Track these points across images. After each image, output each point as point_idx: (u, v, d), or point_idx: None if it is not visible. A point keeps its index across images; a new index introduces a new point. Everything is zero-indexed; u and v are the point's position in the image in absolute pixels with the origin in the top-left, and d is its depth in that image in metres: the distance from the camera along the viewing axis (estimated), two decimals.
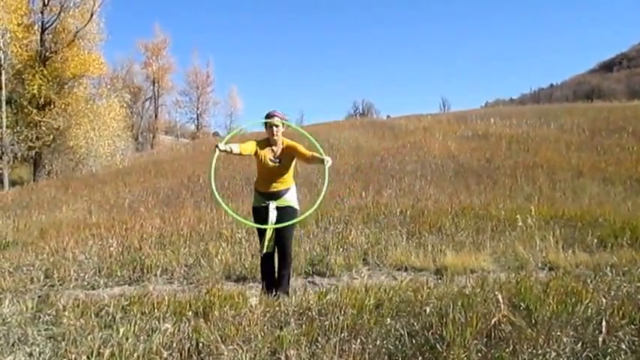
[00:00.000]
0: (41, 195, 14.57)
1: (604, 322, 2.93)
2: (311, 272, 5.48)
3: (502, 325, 3.01)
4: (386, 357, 2.84)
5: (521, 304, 3.33)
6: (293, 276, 5.23)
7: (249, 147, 4.23)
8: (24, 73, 23.10)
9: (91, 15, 24.54)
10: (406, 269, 5.56)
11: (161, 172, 17.13)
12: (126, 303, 3.72)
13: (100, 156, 24.00)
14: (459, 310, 3.13)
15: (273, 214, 4.19)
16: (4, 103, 22.10)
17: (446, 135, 19.49)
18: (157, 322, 3.28)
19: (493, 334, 2.96)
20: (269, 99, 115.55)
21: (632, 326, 3.00)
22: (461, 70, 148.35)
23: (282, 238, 4.26)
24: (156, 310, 3.55)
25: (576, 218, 7.26)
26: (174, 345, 2.97)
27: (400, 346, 2.92)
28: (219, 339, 2.99)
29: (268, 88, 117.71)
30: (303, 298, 3.80)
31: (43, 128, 23.04)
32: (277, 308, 3.58)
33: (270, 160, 4.27)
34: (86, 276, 5.24)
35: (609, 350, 2.75)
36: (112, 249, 6.17)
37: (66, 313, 3.46)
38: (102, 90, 27.21)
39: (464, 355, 2.75)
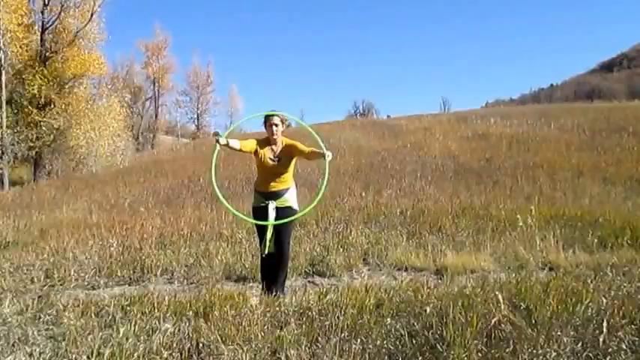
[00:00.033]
0: (41, 195, 14.57)
1: (604, 322, 2.92)
2: (311, 272, 5.48)
3: (502, 325, 3.00)
4: (386, 357, 2.83)
5: (522, 304, 3.32)
6: (293, 276, 5.24)
7: (250, 144, 4.27)
8: (24, 73, 23.09)
9: (92, 15, 24.51)
10: (406, 269, 5.56)
11: (161, 172, 17.13)
12: (126, 303, 3.72)
13: (100, 156, 23.99)
14: (459, 310, 3.13)
15: (272, 215, 4.20)
16: (4, 103, 22.09)
17: (446, 135, 19.49)
18: (157, 322, 3.28)
19: (493, 334, 2.96)
20: (269, 99, 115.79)
21: (633, 326, 2.99)
22: (461, 70, 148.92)
23: (280, 239, 4.26)
24: (156, 310, 3.55)
25: (577, 218, 7.26)
26: (175, 345, 2.97)
27: (400, 346, 2.91)
28: (219, 339, 2.99)
29: (268, 88, 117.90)
30: (304, 298, 3.80)
31: (44, 128, 23.03)
32: (277, 308, 3.58)
33: (270, 159, 4.29)
34: (86, 276, 5.25)
35: (609, 350, 2.75)
36: (112, 249, 6.17)
37: (66, 313, 3.46)
38: (102, 90, 27.24)
39: (464, 355, 2.75)
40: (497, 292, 3.34)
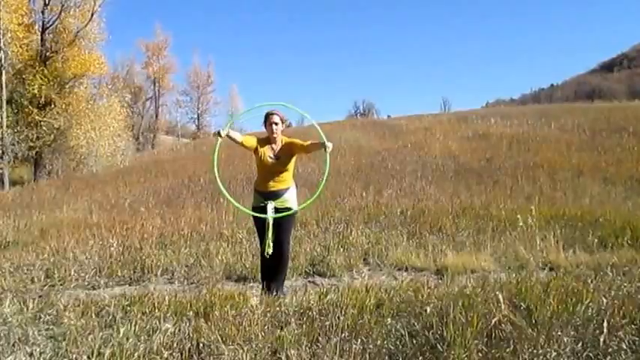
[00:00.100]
0: (42, 195, 14.57)
1: (605, 322, 2.92)
2: (312, 272, 5.48)
3: (503, 325, 3.00)
4: (386, 357, 2.84)
5: (522, 304, 3.32)
6: (294, 276, 5.25)
7: (251, 141, 4.32)
8: (24, 73, 23.10)
9: (92, 15, 24.52)
10: (407, 269, 5.56)
11: (162, 172, 17.12)
12: (126, 303, 3.73)
13: (100, 156, 23.99)
14: (459, 310, 3.13)
15: (271, 214, 4.20)
16: (4, 102, 22.09)
17: (446, 135, 19.49)
18: (157, 322, 3.28)
19: (494, 334, 2.96)
20: (269, 99, 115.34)
21: (633, 326, 2.99)
22: (462, 70, 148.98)
23: (279, 239, 4.26)
24: (156, 310, 3.55)
25: (577, 218, 7.26)
26: (175, 345, 2.97)
27: (401, 346, 2.91)
28: (219, 339, 2.99)
29: (268, 88, 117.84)
30: (304, 298, 3.80)
31: (44, 128, 23.03)
32: (278, 308, 3.58)
33: (270, 157, 4.30)
34: (87, 276, 5.25)
35: (610, 350, 2.75)
36: (112, 249, 6.17)
37: (67, 313, 3.46)
38: (102, 90, 27.24)
39: (464, 355, 2.75)
40: (497, 292, 3.34)
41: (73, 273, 5.23)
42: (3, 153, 21.64)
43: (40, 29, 24.24)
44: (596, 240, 6.08)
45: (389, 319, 3.25)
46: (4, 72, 22.15)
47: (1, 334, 3.13)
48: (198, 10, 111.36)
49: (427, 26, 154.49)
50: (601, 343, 2.79)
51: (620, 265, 5.03)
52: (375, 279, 5.03)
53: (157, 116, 50.03)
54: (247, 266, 5.42)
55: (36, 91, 22.61)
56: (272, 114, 4.36)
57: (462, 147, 16.76)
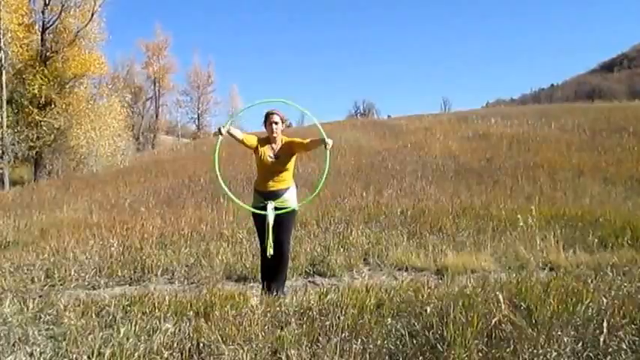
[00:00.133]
0: (42, 195, 14.57)
1: (605, 322, 2.92)
2: (312, 272, 5.48)
3: (503, 325, 3.00)
4: (387, 357, 2.84)
5: (522, 304, 3.32)
6: (294, 276, 5.24)
7: (251, 139, 4.33)
8: (25, 73, 23.09)
9: (92, 15, 24.51)
10: (407, 269, 5.56)
11: (162, 172, 17.12)
12: (127, 303, 3.73)
13: (100, 156, 23.99)
14: (459, 310, 3.13)
15: (271, 215, 4.20)
16: (4, 102, 22.09)
17: (447, 135, 19.48)
18: (157, 322, 3.28)
19: (494, 334, 2.96)
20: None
21: (633, 326, 2.99)
22: (462, 70, 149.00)
23: (280, 239, 4.26)
24: (157, 310, 3.55)
25: (577, 218, 7.26)
26: (175, 345, 2.97)
27: (401, 346, 2.91)
28: (219, 339, 2.99)
29: (268, 88, 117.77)
30: (304, 298, 3.80)
31: (44, 128, 23.03)
32: (278, 308, 3.58)
33: (270, 157, 4.31)
34: (87, 276, 5.25)
35: (610, 350, 2.75)
36: (112, 249, 6.17)
37: (67, 313, 3.46)
38: (103, 90, 27.24)
39: (465, 355, 2.75)
40: (497, 292, 3.34)
41: (73, 273, 5.23)
42: (3, 153, 21.65)
43: (41, 29, 24.23)
44: (596, 240, 6.08)
45: (389, 319, 3.25)
46: (4, 72, 22.16)
47: (1, 334, 3.13)
48: (198, 10, 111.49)
49: (427, 26, 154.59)
50: (601, 343, 2.78)
51: (620, 265, 5.03)
52: (376, 279, 5.03)
53: (157, 116, 50.04)
54: (247, 266, 5.43)
55: (36, 91, 22.61)
56: (272, 113, 4.36)
57: (462, 147, 16.75)
